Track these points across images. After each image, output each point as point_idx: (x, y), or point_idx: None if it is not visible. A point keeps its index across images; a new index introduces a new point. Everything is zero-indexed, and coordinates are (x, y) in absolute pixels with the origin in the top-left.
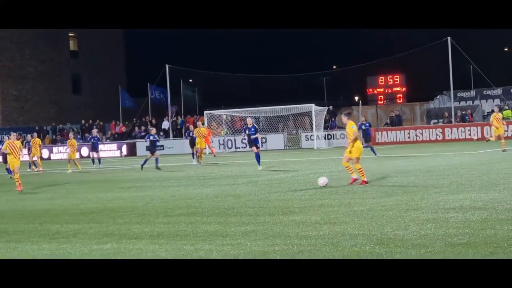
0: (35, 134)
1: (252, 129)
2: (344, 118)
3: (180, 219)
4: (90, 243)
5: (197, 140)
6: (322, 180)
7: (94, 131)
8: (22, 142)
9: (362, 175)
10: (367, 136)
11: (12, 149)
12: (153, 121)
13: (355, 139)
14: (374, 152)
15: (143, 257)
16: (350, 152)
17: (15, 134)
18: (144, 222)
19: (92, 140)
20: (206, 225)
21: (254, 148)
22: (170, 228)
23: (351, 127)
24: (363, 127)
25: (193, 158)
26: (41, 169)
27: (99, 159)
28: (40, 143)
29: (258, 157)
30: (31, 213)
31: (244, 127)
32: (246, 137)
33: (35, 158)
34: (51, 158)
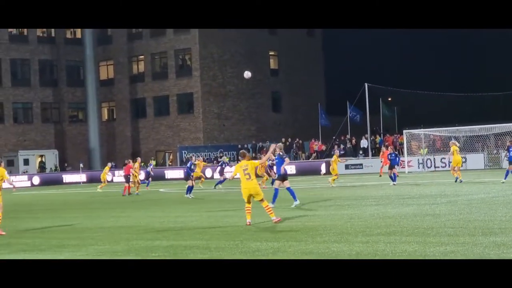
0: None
1: (277, 158)
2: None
3: (379, 238)
4: None
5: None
6: (246, 74)
7: (224, 158)
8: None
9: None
10: None
11: None
12: (353, 140)
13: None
14: None
15: None
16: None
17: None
18: (342, 241)
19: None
20: (405, 245)
21: (279, 182)
22: (369, 248)
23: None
24: None
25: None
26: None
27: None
28: (203, 164)
29: (291, 191)
30: (232, 230)
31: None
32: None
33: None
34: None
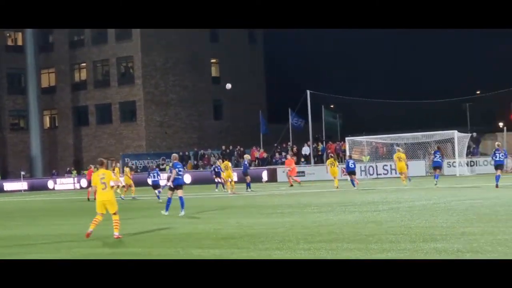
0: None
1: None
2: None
3: (320, 246)
4: None
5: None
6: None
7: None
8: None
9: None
10: None
11: None
12: (294, 148)
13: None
14: None
15: None
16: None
17: None
18: (284, 248)
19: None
20: (347, 252)
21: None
22: (311, 255)
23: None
24: None
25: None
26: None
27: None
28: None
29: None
30: (174, 237)
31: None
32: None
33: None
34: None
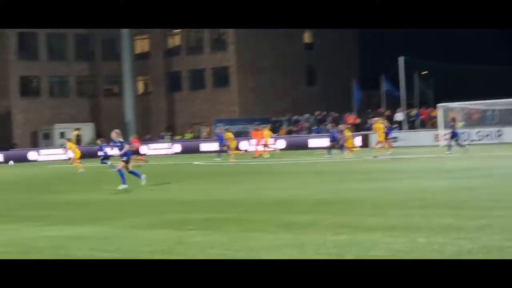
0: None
1: (119, 143)
2: None
3: (413, 212)
4: (326, 234)
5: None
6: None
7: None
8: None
9: None
10: None
11: None
12: (387, 113)
13: None
14: None
15: (376, 249)
16: None
17: None
18: (378, 214)
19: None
20: (440, 218)
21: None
22: (404, 220)
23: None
24: None
25: None
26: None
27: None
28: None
29: (121, 174)
30: (267, 203)
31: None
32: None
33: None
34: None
